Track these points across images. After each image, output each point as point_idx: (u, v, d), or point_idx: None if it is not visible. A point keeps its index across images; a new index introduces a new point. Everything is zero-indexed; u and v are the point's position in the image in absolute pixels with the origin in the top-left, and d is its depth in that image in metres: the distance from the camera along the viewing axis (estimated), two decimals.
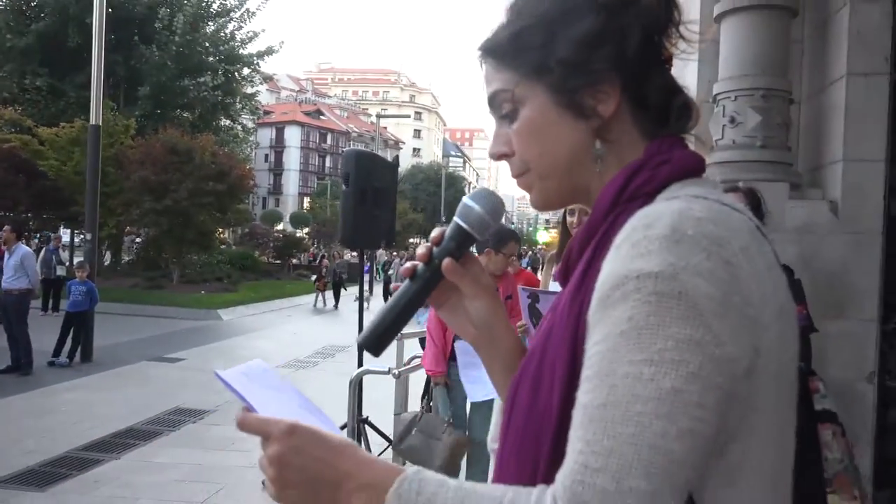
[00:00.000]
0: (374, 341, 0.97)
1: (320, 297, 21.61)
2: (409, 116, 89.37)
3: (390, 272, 23.21)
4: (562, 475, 0.71)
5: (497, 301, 1.02)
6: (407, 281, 0.98)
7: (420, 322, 3.91)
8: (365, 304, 22.43)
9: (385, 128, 37.89)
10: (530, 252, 33.07)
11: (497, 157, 0.94)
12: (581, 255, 0.84)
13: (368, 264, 21.38)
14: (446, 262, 0.96)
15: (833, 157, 3.66)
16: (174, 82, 26.10)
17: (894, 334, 3.34)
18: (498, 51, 0.90)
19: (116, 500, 5.14)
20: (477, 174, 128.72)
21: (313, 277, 22.53)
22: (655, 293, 0.69)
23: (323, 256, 23.92)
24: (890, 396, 3.40)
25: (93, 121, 11.29)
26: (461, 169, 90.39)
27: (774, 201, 3.25)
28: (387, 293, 21.76)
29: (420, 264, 0.97)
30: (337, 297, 21.96)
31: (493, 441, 1.08)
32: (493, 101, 0.92)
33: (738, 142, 3.76)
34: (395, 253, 24.40)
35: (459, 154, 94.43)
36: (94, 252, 11.49)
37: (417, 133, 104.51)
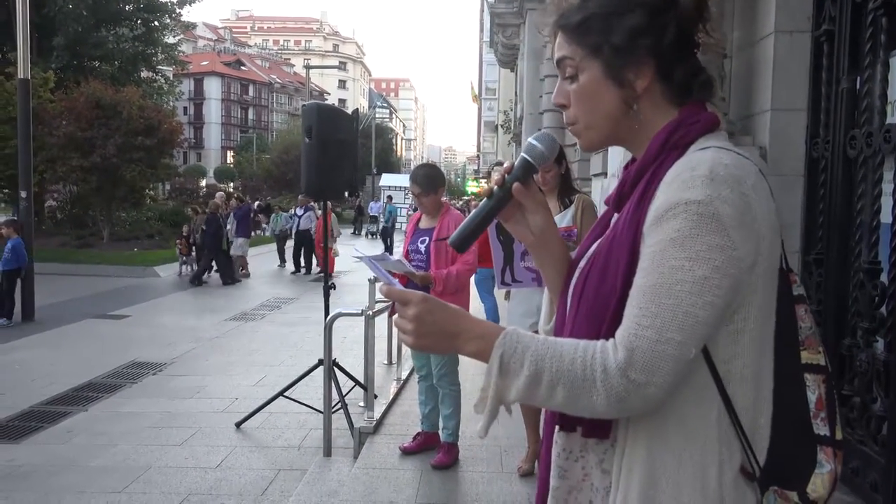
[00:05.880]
0: (461, 242, 1.26)
1: (185, 264, 16.56)
2: (336, 67, 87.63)
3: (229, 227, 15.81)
4: (620, 331, 1.05)
5: (550, 215, 1.31)
6: (485, 199, 1.26)
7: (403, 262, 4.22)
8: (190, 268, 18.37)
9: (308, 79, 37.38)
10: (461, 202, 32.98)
11: (558, 105, 1.24)
12: (634, 188, 1.15)
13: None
14: (516, 185, 1.24)
15: (762, 107, 4.08)
16: (91, 33, 24.94)
17: (814, 263, 3.79)
18: (569, 28, 1.17)
19: (94, 448, 5.30)
20: (404, 125, 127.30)
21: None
22: (697, 214, 1.00)
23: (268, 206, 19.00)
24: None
25: (21, 74, 10.91)
26: (388, 120, 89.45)
27: None
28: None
29: (496, 187, 1.25)
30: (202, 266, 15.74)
31: (545, 324, 1.39)
32: (560, 63, 1.20)
33: None
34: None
35: (386, 105, 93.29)
36: (30, 210, 11.22)
37: (342, 84, 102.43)
